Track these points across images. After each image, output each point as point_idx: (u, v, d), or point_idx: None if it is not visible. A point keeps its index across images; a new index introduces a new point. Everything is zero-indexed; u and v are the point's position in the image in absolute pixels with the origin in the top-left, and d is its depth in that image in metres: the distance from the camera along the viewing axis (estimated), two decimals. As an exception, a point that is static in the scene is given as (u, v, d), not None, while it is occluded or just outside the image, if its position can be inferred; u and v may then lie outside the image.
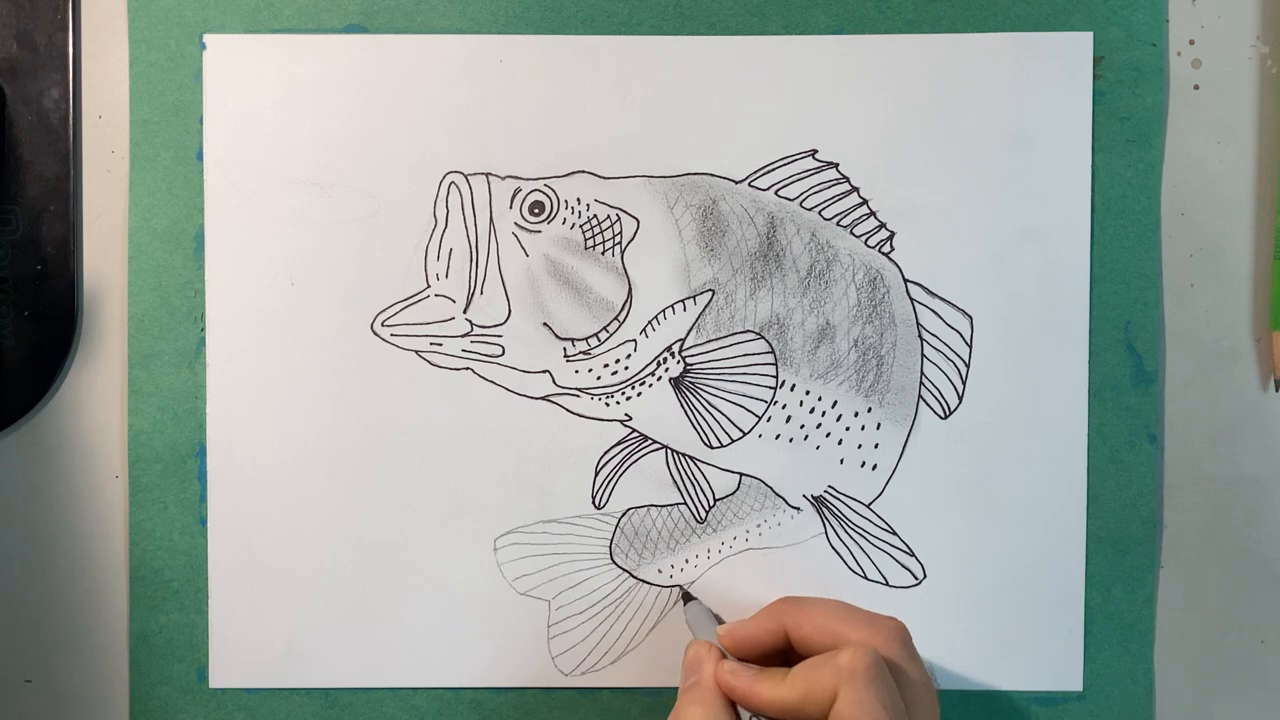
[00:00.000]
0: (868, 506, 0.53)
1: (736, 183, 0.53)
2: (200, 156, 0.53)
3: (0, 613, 0.54)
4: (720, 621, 0.51)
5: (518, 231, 0.53)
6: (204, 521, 0.53)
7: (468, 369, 0.53)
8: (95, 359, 0.54)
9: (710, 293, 0.53)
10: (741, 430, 0.53)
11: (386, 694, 0.54)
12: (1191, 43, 0.53)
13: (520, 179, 0.53)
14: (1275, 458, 0.54)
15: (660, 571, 0.54)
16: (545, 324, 0.53)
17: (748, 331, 0.53)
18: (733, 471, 0.53)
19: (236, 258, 0.53)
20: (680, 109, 0.53)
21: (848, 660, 0.44)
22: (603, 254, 0.53)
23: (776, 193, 0.53)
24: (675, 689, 0.53)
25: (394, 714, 0.54)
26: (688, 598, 0.53)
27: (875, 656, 0.44)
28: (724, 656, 0.48)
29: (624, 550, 0.53)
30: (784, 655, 0.48)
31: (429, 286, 0.53)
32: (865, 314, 0.53)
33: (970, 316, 0.53)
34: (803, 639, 0.47)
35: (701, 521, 0.54)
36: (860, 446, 0.53)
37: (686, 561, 0.54)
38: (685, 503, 0.53)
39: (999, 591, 0.53)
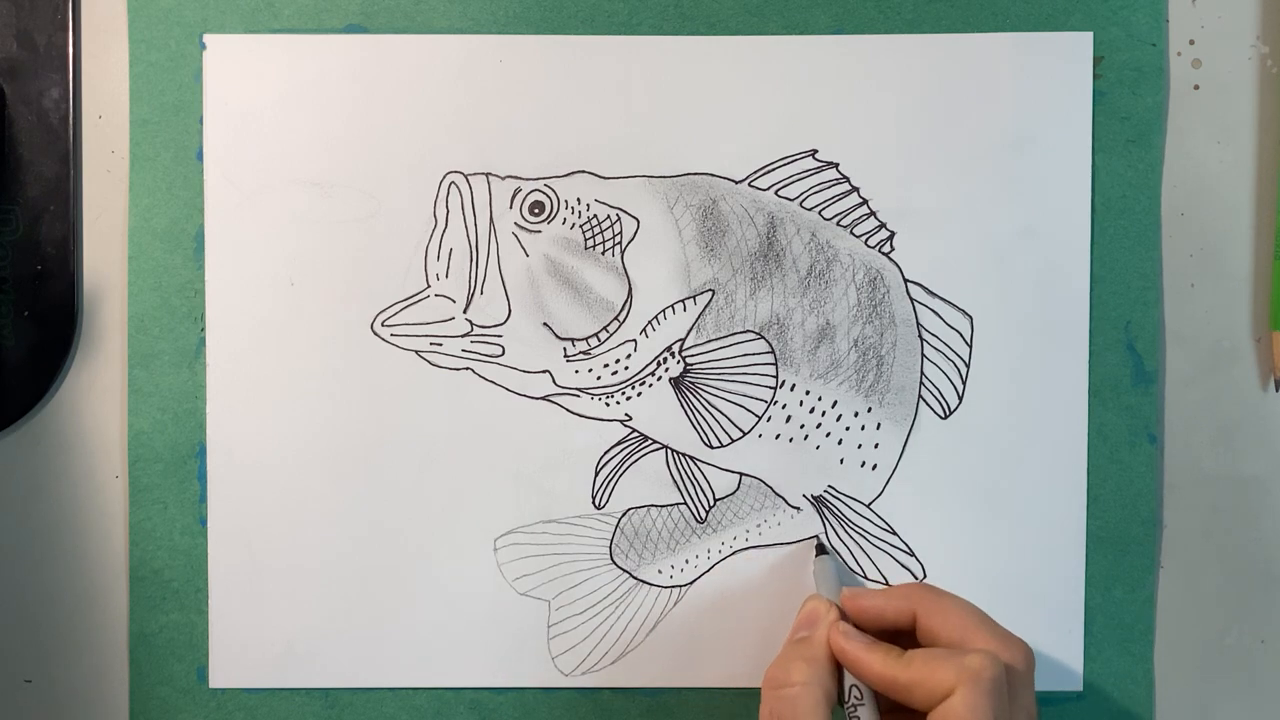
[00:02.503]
0: (868, 506, 0.53)
1: (736, 183, 0.53)
2: (200, 156, 0.53)
3: (0, 613, 0.54)
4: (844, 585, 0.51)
5: (518, 231, 0.53)
6: (204, 521, 0.53)
7: (468, 369, 0.53)
8: (95, 359, 0.54)
9: (710, 293, 0.53)
10: (741, 430, 0.53)
11: (386, 694, 0.54)
12: (1191, 43, 0.53)
13: (520, 179, 0.53)
14: (1275, 458, 0.54)
15: (660, 572, 0.54)
16: (545, 324, 0.53)
17: (748, 331, 0.53)
18: (733, 471, 0.53)
19: (236, 258, 0.53)
20: (680, 109, 0.53)
21: (975, 663, 0.44)
22: (603, 254, 0.53)
23: (776, 193, 0.53)
24: (675, 689, 0.53)
25: (394, 714, 0.54)
26: (821, 549, 0.53)
27: (1001, 670, 0.44)
28: (841, 618, 0.48)
29: (624, 550, 0.53)
30: (894, 636, 0.48)
31: (429, 286, 0.53)
32: (865, 314, 0.53)
33: (970, 316, 0.53)
34: (930, 629, 0.47)
35: (701, 521, 0.54)
36: (860, 446, 0.53)
37: (686, 562, 0.54)
38: (685, 503, 0.53)
39: (999, 591, 0.53)
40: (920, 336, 0.53)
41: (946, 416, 0.53)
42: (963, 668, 0.44)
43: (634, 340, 0.53)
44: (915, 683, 0.45)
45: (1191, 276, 0.54)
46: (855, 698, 0.46)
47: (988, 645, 0.46)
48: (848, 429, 0.53)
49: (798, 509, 0.54)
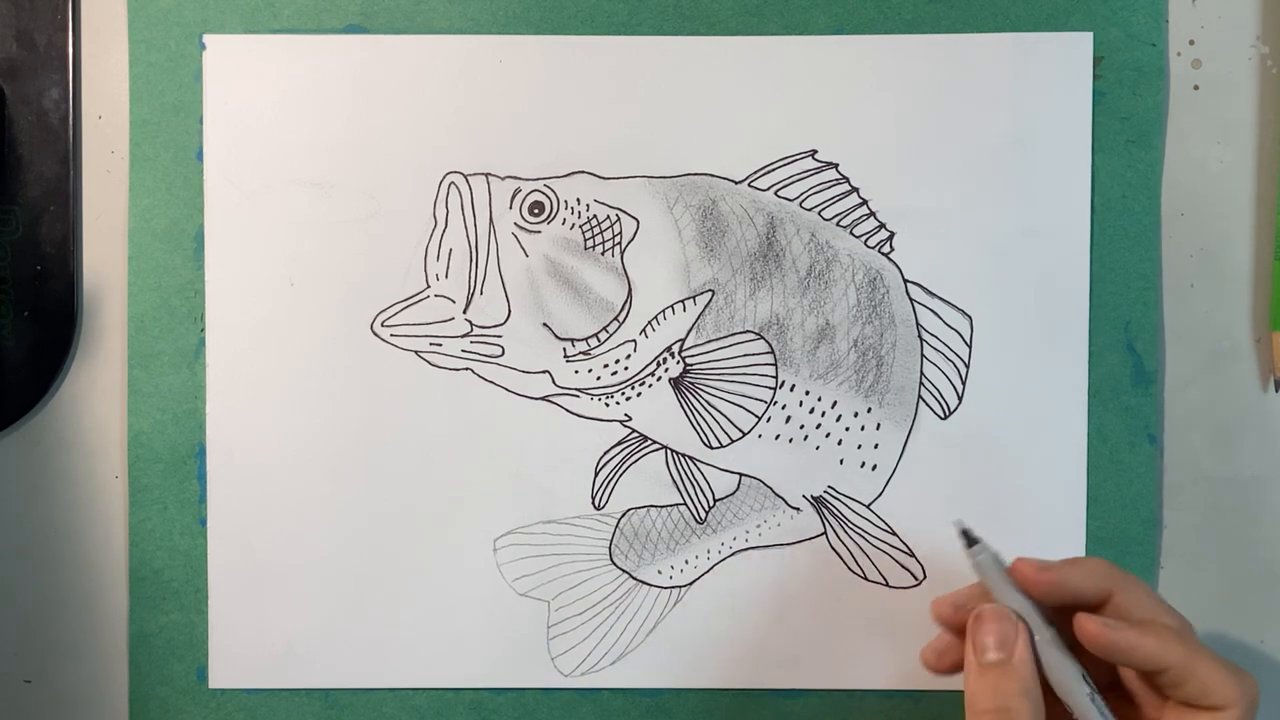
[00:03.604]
0: (868, 507, 0.53)
1: (736, 183, 0.53)
2: (200, 156, 0.53)
3: (0, 613, 0.54)
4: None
5: (517, 232, 0.53)
6: (204, 521, 0.53)
7: (467, 369, 0.53)
8: (95, 359, 0.54)
9: (710, 293, 0.53)
10: (741, 430, 0.53)
11: (386, 694, 0.54)
12: (1191, 43, 0.53)
13: (520, 179, 0.53)
14: (1275, 458, 0.54)
15: (660, 572, 0.54)
16: (545, 324, 0.53)
17: (747, 332, 0.53)
18: (732, 472, 0.53)
19: (236, 258, 0.53)
20: (680, 109, 0.53)
21: (1254, 690, 0.43)
22: (602, 254, 0.53)
23: (776, 193, 0.53)
24: (675, 690, 0.53)
25: (394, 714, 0.54)
26: (969, 537, 0.47)
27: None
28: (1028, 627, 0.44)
29: (624, 551, 0.53)
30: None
31: (429, 287, 0.53)
32: (865, 314, 0.53)
33: (970, 316, 0.53)
34: (1117, 608, 0.45)
35: (701, 522, 0.54)
36: (860, 447, 0.53)
37: (686, 562, 0.54)
38: (685, 503, 0.53)
39: (999, 592, 0.53)
40: (920, 337, 0.53)
41: (946, 417, 0.53)
42: (1248, 686, 0.43)
43: (634, 340, 0.53)
44: (1192, 674, 0.43)
45: (1191, 276, 0.54)
46: (1091, 684, 0.43)
47: (1222, 684, 0.43)
48: (847, 429, 0.53)
49: (797, 509, 0.54)
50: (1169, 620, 0.45)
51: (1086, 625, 0.43)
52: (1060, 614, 0.45)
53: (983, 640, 0.44)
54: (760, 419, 0.53)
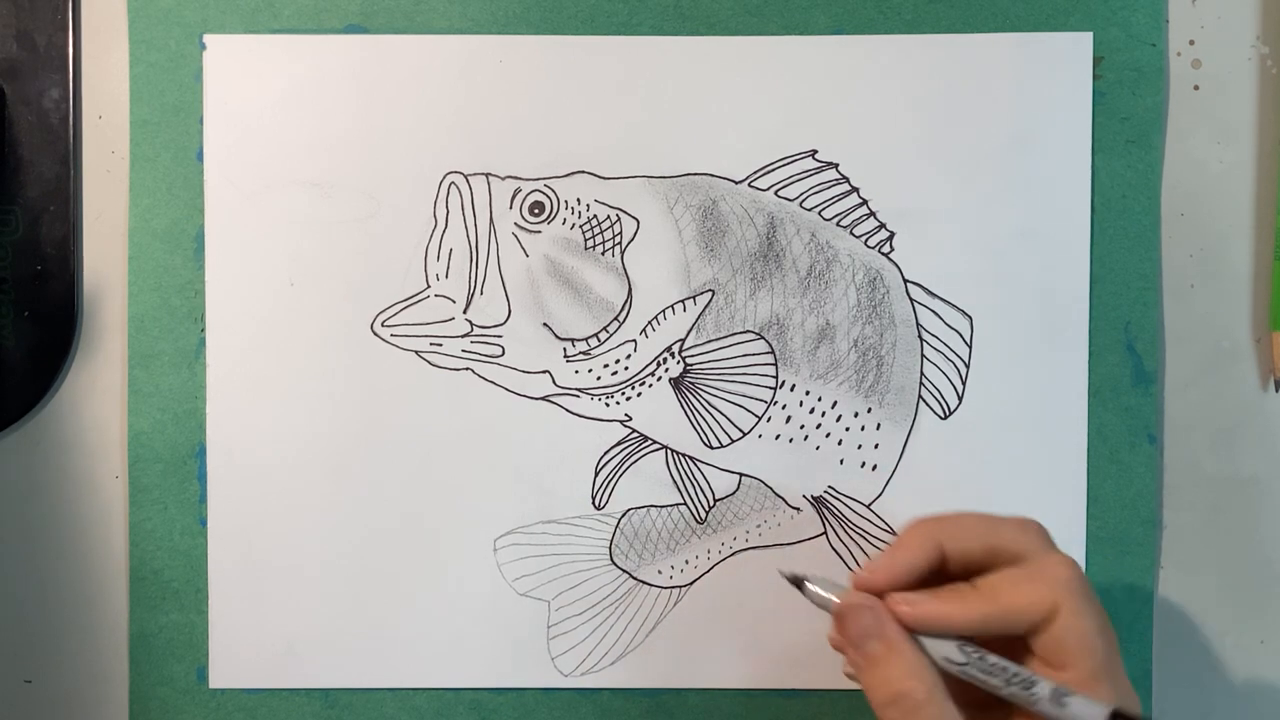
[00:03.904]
0: (868, 507, 0.53)
1: (736, 183, 0.53)
2: (200, 156, 0.53)
3: (0, 613, 0.54)
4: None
5: (518, 232, 0.53)
6: (204, 521, 0.53)
7: (468, 369, 0.53)
8: (95, 359, 0.54)
9: (710, 293, 0.53)
10: (741, 430, 0.53)
11: (386, 694, 0.54)
12: (1191, 43, 0.53)
13: (520, 179, 0.53)
14: (1275, 458, 0.54)
15: (660, 572, 0.54)
16: (545, 324, 0.53)
17: (748, 332, 0.53)
18: (733, 472, 0.53)
19: (236, 258, 0.53)
20: (680, 109, 0.53)
21: (1065, 574, 0.42)
22: (603, 254, 0.53)
23: (776, 193, 0.53)
24: (675, 690, 0.53)
25: (394, 714, 0.54)
26: (796, 582, 0.46)
27: (1078, 566, 0.42)
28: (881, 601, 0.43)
29: (624, 551, 0.53)
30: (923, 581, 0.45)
31: (429, 287, 0.53)
32: (865, 314, 0.53)
33: (970, 316, 0.53)
34: (964, 553, 0.44)
35: (701, 522, 0.54)
36: (860, 447, 0.53)
37: (686, 562, 0.54)
38: (685, 503, 0.53)
39: (999, 592, 0.53)
40: (920, 337, 0.53)
41: (946, 417, 0.53)
42: (1055, 582, 0.42)
43: (634, 340, 0.53)
44: (1011, 611, 0.42)
45: (1191, 277, 0.54)
46: (970, 653, 0.42)
47: (1017, 542, 0.43)
48: (848, 429, 0.53)
49: (798, 509, 0.54)
50: (1013, 541, 0.43)
51: (899, 613, 0.43)
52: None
53: (852, 637, 0.43)
54: (760, 419, 0.53)
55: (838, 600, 0.44)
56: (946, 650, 0.42)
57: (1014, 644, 0.43)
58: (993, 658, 0.42)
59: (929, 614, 0.42)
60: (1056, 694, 0.41)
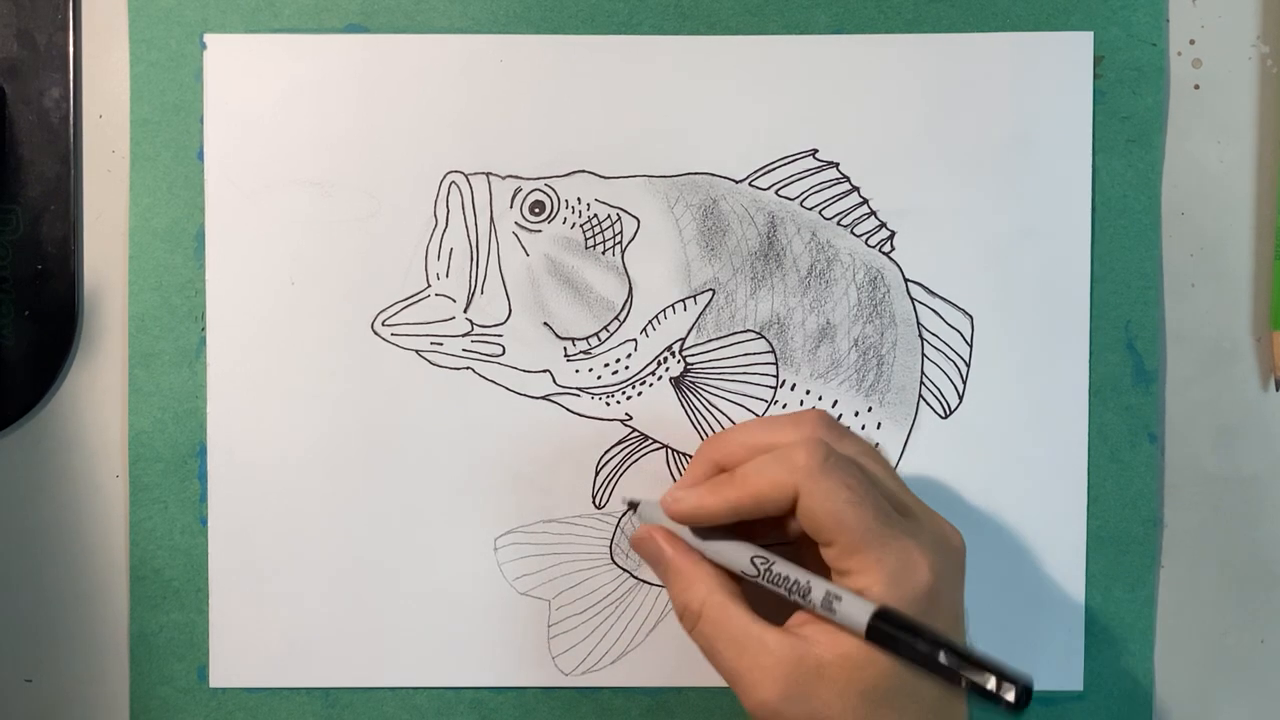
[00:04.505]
0: (868, 506, 0.53)
1: (737, 182, 0.53)
2: (200, 156, 0.53)
3: (0, 613, 0.54)
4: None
5: (518, 231, 0.53)
6: (204, 521, 0.53)
7: (468, 369, 0.53)
8: (95, 359, 0.54)
9: (710, 292, 0.53)
10: (742, 430, 0.53)
11: (386, 694, 0.54)
12: (1191, 43, 0.53)
13: (520, 179, 0.53)
14: (1275, 458, 0.54)
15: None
16: (545, 323, 0.53)
17: (748, 331, 0.53)
18: (733, 471, 0.53)
19: (237, 258, 0.53)
20: (680, 109, 0.53)
21: (803, 458, 0.44)
22: (603, 254, 0.53)
23: (777, 192, 0.53)
24: (675, 689, 0.53)
25: (394, 714, 0.54)
26: (634, 506, 0.50)
27: (823, 445, 0.44)
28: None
29: (624, 550, 0.53)
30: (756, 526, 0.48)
31: (429, 286, 0.53)
32: (865, 313, 0.53)
33: (970, 316, 0.53)
34: (736, 464, 0.46)
35: (702, 521, 0.53)
36: (860, 446, 0.53)
37: (687, 561, 0.53)
38: (685, 502, 0.53)
39: (999, 591, 0.53)
40: (920, 336, 0.53)
41: (946, 416, 0.53)
42: (794, 468, 0.44)
43: (634, 340, 0.53)
44: (755, 495, 0.45)
45: (1191, 276, 0.54)
46: (759, 565, 0.45)
47: (790, 437, 0.46)
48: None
49: (798, 509, 0.53)
50: (786, 437, 0.46)
51: (665, 506, 0.47)
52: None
53: (649, 563, 0.48)
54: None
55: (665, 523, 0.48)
56: (742, 564, 0.45)
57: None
58: (780, 566, 0.45)
59: (688, 507, 0.46)
60: (828, 598, 0.43)
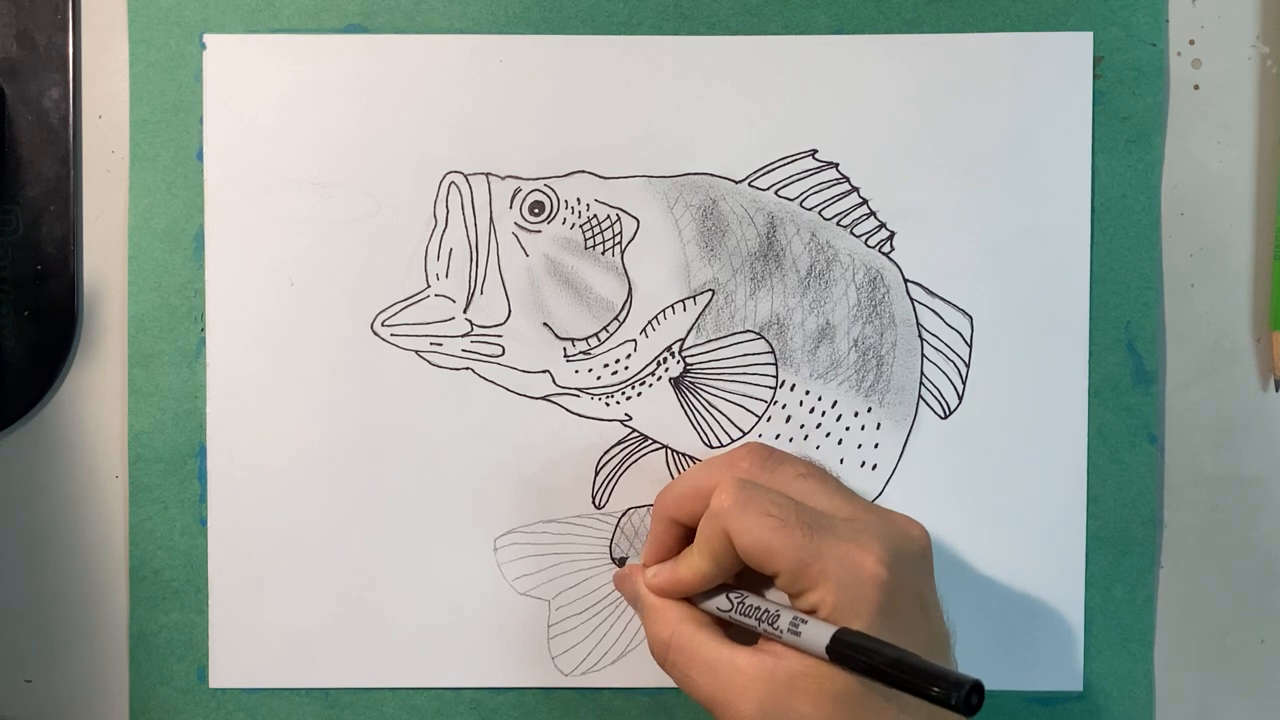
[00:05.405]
0: (868, 506, 0.53)
1: (736, 183, 0.53)
2: (200, 156, 0.53)
3: (0, 613, 0.54)
4: None
5: (518, 231, 0.53)
6: (204, 521, 0.53)
7: (468, 369, 0.53)
8: (95, 359, 0.54)
9: (710, 293, 0.53)
10: (741, 430, 0.53)
11: (386, 694, 0.54)
12: (1191, 43, 0.53)
13: (520, 179, 0.53)
14: (1275, 458, 0.54)
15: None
16: (545, 324, 0.53)
17: (748, 331, 0.53)
18: (733, 471, 0.53)
19: (236, 258, 0.53)
20: (680, 109, 0.53)
21: (717, 503, 0.45)
22: (603, 254, 0.53)
23: (776, 193, 0.53)
24: (675, 689, 0.53)
25: (394, 714, 0.54)
26: (621, 562, 0.53)
27: (738, 482, 0.45)
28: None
29: (624, 550, 0.53)
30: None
31: (429, 286, 0.53)
32: (865, 314, 0.53)
33: (970, 316, 0.53)
34: (690, 515, 0.48)
35: (701, 521, 0.53)
36: (860, 446, 0.53)
37: (686, 561, 0.54)
38: (685, 503, 0.53)
39: (999, 591, 0.53)
40: (920, 336, 0.53)
41: (946, 416, 0.53)
42: (716, 514, 0.45)
43: (634, 340, 0.53)
44: (715, 556, 0.46)
45: (1191, 276, 0.54)
46: (734, 600, 0.47)
47: (723, 477, 0.47)
48: (848, 429, 0.53)
49: (798, 509, 0.53)
50: (719, 478, 0.47)
51: (646, 583, 0.48)
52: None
53: (631, 604, 0.50)
54: (760, 419, 0.53)
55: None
56: (719, 603, 0.47)
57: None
58: (751, 600, 0.46)
59: (664, 583, 0.48)
60: (794, 623, 0.44)
